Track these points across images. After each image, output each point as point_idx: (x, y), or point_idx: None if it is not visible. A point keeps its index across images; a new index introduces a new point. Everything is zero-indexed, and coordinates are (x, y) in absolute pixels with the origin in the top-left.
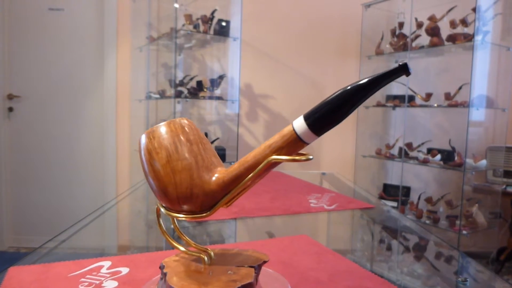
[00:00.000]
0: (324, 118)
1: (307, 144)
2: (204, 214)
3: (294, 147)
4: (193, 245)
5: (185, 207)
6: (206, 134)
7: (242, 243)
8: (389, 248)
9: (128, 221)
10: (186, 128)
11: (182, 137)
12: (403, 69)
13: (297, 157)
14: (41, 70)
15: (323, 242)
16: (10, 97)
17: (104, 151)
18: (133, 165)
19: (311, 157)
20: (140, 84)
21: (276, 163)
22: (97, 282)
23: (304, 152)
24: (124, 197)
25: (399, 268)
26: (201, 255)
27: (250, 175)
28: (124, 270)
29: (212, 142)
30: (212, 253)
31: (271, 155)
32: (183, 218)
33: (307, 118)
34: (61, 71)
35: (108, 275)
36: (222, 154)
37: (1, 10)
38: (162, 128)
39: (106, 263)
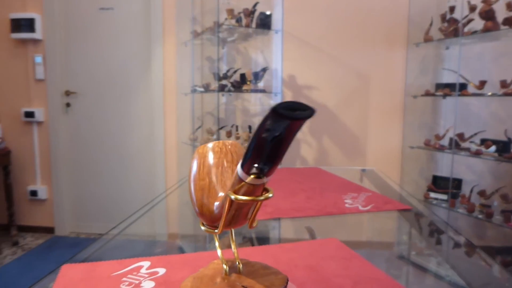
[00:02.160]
0: (246, 161)
1: (259, 184)
2: (216, 231)
3: (251, 186)
4: (220, 257)
5: (202, 220)
6: (249, 127)
7: (272, 246)
8: (421, 255)
9: (176, 214)
10: (215, 150)
11: (208, 159)
12: (277, 114)
13: (249, 198)
14: (94, 67)
15: (353, 246)
16: (67, 93)
17: (153, 143)
18: (180, 157)
19: (270, 195)
20: (185, 78)
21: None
22: (137, 282)
23: (268, 188)
24: (173, 190)
25: (426, 279)
26: (225, 265)
27: (226, 209)
28: (161, 271)
29: None
30: (241, 266)
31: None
32: (203, 229)
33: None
34: (112, 68)
35: (146, 275)
36: None
37: (58, 12)
38: (202, 148)
39: (146, 263)
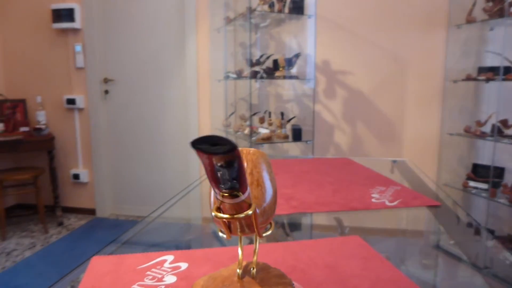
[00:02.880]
0: (211, 182)
1: (238, 201)
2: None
3: (231, 204)
4: (239, 259)
5: (216, 225)
6: (282, 114)
7: (293, 242)
8: (446, 255)
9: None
10: None
11: None
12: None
13: (228, 216)
14: (130, 55)
15: (375, 244)
16: (106, 80)
17: (187, 129)
18: None
19: (250, 212)
20: (218, 64)
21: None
22: (160, 276)
23: (251, 204)
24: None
25: (450, 280)
26: (239, 269)
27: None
28: (183, 266)
29: (288, 121)
30: (254, 271)
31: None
32: (220, 234)
33: None
34: (148, 55)
35: (169, 270)
36: (298, 132)
37: (95, 1)
38: None
39: (169, 258)
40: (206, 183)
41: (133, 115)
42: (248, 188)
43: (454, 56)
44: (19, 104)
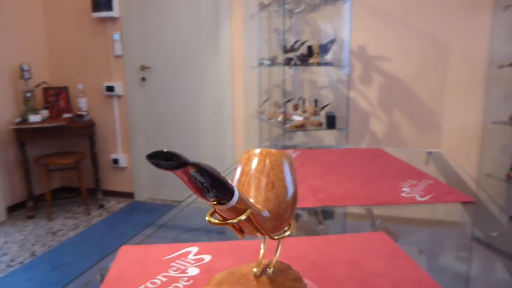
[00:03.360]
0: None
1: (229, 207)
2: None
3: (225, 210)
4: (259, 258)
5: None
6: (315, 101)
7: (318, 237)
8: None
9: None
10: (250, 159)
11: (242, 166)
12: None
13: (220, 221)
14: (166, 42)
15: (402, 242)
16: (143, 68)
17: (222, 116)
18: (247, 129)
19: (243, 217)
20: (252, 51)
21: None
22: (183, 267)
23: (245, 210)
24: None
25: (479, 278)
26: (255, 268)
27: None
28: (207, 258)
29: (322, 108)
30: (270, 272)
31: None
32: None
33: None
34: (183, 42)
35: (193, 261)
36: (332, 120)
37: None
38: (247, 153)
39: (194, 249)
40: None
41: (169, 102)
42: (237, 193)
43: (500, 40)
44: (62, 92)
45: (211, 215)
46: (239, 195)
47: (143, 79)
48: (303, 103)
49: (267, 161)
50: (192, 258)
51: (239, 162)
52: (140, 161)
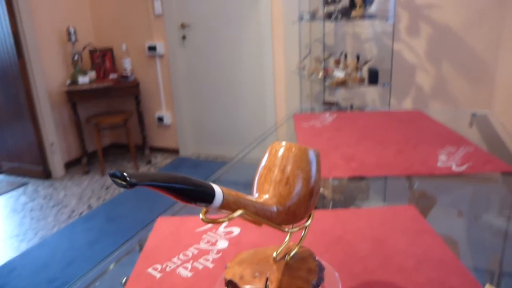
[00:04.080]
0: None
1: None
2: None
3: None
4: (285, 242)
5: None
6: (357, 57)
7: (345, 210)
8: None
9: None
10: (272, 152)
11: (267, 157)
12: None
13: (210, 220)
14: None
15: (431, 217)
16: (183, 26)
17: (263, 72)
18: (288, 85)
19: (235, 215)
20: (292, 5)
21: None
22: (213, 240)
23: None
24: (282, 123)
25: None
26: (275, 253)
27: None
28: (236, 231)
29: (365, 63)
30: (288, 258)
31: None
32: None
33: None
34: None
35: (223, 234)
36: (374, 75)
37: None
38: (274, 145)
39: (236, 230)
40: (281, 129)
41: (210, 59)
42: (219, 198)
43: None
44: (107, 53)
45: (205, 213)
46: (224, 199)
47: (184, 37)
48: (345, 58)
49: (287, 156)
50: (222, 230)
51: (267, 151)
52: (183, 118)
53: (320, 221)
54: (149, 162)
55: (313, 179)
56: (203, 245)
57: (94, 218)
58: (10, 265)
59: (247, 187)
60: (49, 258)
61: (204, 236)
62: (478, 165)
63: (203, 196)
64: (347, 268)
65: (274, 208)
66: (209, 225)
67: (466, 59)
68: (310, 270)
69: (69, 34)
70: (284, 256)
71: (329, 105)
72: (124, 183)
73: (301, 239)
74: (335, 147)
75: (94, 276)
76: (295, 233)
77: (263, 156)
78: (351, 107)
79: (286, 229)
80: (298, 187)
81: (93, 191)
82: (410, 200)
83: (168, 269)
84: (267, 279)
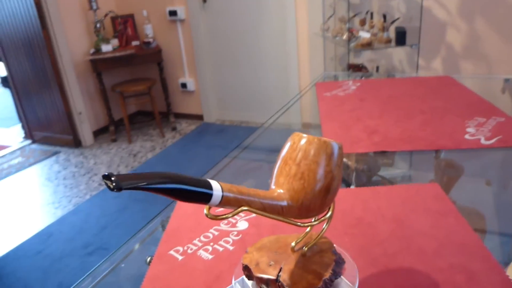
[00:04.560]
0: None
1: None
2: None
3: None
4: (305, 232)
5: None
6: (384, 16)
7: (365, 188)
8: None
9: (309, 105)
10: (292, 145)
11: (286, 149)
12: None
13: (209, 215)
14: None
15: (456, 196)
16: None
17: (285, 35)
18: (311, 48)
19: (236, 211)
20: None
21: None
22: (234, 221)
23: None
24: (307, 90)
25: None
26: (294, 243)
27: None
28: None
29: (392, 23)
30: (305, 249)
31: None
32: None
33: None
34: None
35: (243, 214)
36: (402, 35)
37: None
38: (296, 136)
39: None
40: (305, 96)
41: (231, 22)
42: (219, 193)
43: None
44: (129, 19)
45: (210, 208)
46: (223, 197)
47: (204, 0)
48: (371, 18)
49: (303, 149)
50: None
51: (288, 141)
52: (207, 84)
53: (340, 201)
54: (174, 129)
55: (330, 174)
56: (223, 226)
57: None
58: (48, 231)
59: (274, 152)
60: (83, 224)
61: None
62: (509, 138)
63: (199, 196)
64: (366, 252)
65: (285, 203)
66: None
67: (503, 15)
68: (325, 265)
69: (90, 2)
70: (302, 247)
71: (353, 68)
72: (111, 186)
73: (321, 232)
74: (357, 119)
75: (120, 256)
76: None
77: (283, 147)
78: (377, 69)
79: (300, 224)
80: (312, 182)
81: (121, 158)
82: (436, 170)
83: (189, 251)
84: (280, 269)
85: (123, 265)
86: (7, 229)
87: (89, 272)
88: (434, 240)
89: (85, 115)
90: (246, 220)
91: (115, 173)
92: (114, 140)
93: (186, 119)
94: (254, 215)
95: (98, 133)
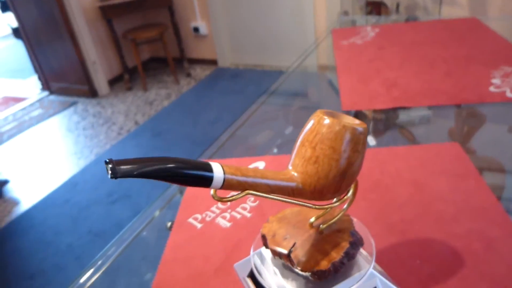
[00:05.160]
0: None
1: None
2: None
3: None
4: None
5: None
6: None
7: (384, 149)
8: None
9: (325, 50)
10: (311, 124)
11: (304, 130)
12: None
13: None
14: None
15: (476, 145)
16: None
17: None
18: None
19: (239, 196)
20: None
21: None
22: None
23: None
24: (323, 39)
25: None
26: (313, 218)
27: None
28: None
29: None
30: (324, 227)
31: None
32: None
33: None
34: None
35: None
36: None
37: None
38: (319, 114)
39: (261, 164)
40: (323, 35)
41: None
42: (220, 178)
43: None
44: None
45: (216, 190)
46: (224, 181)
47: None
48: None
49: (322, 133)
50: None
51: (310, 119)
52: (220, 27)
53: None
54: (188, 75)
55: (347, 161)
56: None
57: (141, 134)
58: (73, 181)
59: (298, 95)
60: (105, 173)
61: None
62: None
63: (198, 181)
64: (383, 218)
65: (294, 184)
66: None
67: None
68: (339, 246)
69: None
70: (320, 224)
71: (372, 6)
72: (110, 173)
73: (340, 212)
74: (376, 71)
75: (141, 224)
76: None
77: (305, 125)
78: (397, 7)
79: (314, 206)
80: (326, 167)
81: (137, 107)
82: (457, 118)
83: (208, 218)
84: (293, 245)
85: (144, 233)
86: (34, 179)
87: (113, 241)
88: (453, 205)
89: (99, 64)
90: None
91: (132, 122)
92: (129, 89)
93: (200, 64)
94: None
95: (113, 82)
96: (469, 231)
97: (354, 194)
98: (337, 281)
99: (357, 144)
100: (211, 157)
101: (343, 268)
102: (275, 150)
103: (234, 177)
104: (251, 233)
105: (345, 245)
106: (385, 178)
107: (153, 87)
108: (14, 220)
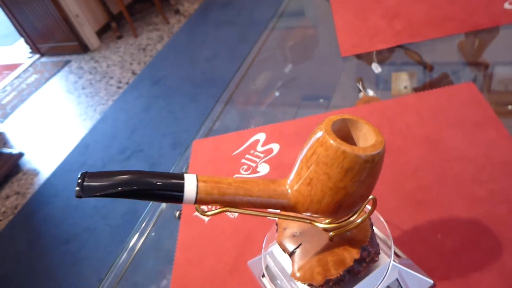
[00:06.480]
0: None
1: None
2: None
3: None
4: None
5: None
6: None
7: (393, 101)
8: None
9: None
10: (312, 139)
11: (308, 142)
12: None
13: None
14: None
15: (491, 48)
16: None
17: None
18: None
19: (217, 211)
20: None
21: None
22: (254, 165)
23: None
24: None
25: None
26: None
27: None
28: (275, 148)
29: None
30: (332, 234)
31: None
32: None
33: None
34: None
35: (262, 155)
36: None
37: None
38: (328, 121)
39: (262, 136)
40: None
41: None
42: (192, 195)
43: None
44: None
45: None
46: (197, 199)
47: None
48: None
49: (318, 154)
50: (260, 150)
51: (315, 132)
52: None
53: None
54: (177, 11)
55: (343, 191)
56: (244, 173)
57: (140, 84)
58: (84, 142)
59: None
60: (113, 130)
61: (243, 160)
62: None
63: (168, 200)
64: (398, 188)
65: (286, 201)
66: (246, 144)
67: None
68: (342, 262)
69: None
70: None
71: None
72: (81, 193)
73: (353, 224)
74: (376, 1)
75: (151, 215)
76: None
77: (309, 135)
78: None
79: (316, 223)
80: (319, 193)
81: (131, 55)
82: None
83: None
84: (299, 245)
85: (157, 225)
86: (47, 148)
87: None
88: (472, 163)
89: (82, 16)
90: (266, 161)
91: (129, 73)
92: (119, 37)
93: None
94: (274, 153)
95: (101, 33)
96: (490, 192)
97: (371, 212)
98: (353, 284)
99: (359, 174)
100: (219, 117)
101: (346, 279)
102: (277, 94)
103: (208, 196)
104: (261, 222)
105: (349, 262)
106: (396, 137)
107: (143, 31)
108: (37, 191)
